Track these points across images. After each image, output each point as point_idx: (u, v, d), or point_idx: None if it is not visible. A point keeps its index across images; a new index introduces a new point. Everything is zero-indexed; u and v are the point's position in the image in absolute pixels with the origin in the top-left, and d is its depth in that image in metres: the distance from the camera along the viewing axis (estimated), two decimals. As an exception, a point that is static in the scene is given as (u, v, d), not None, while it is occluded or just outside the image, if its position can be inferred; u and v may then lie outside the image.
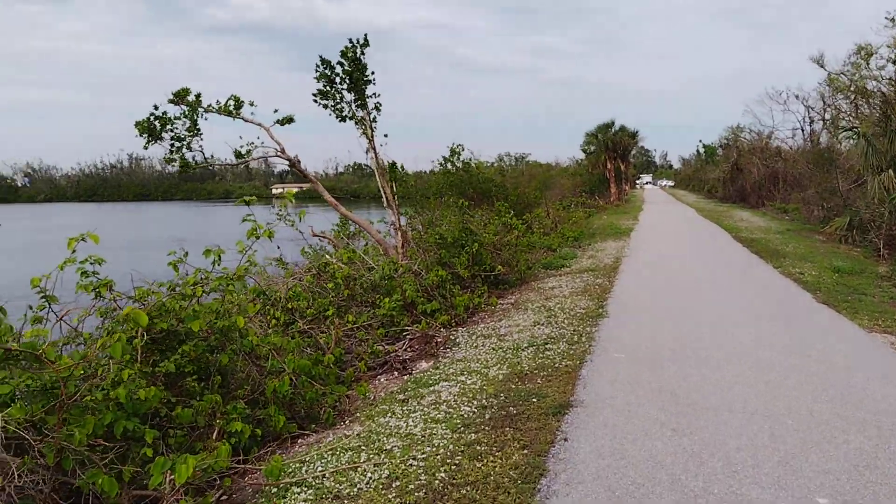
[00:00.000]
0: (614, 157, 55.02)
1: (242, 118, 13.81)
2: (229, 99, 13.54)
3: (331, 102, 13.23)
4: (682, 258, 17.83)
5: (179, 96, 13.17)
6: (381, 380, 8.47)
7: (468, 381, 7.27)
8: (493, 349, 8.67)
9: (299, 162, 14.21)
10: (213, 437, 6.14)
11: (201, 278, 6.72)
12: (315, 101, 13.22)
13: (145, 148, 12.48)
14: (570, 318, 10.22)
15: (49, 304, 6.31)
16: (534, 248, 19.90)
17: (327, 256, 14.39)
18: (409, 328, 10.59)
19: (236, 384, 6.87)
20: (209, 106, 13.51)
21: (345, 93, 13.19)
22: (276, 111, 14.00)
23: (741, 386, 6.71)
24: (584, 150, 56.60)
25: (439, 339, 9.95)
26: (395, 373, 8.72)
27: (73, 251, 6.37)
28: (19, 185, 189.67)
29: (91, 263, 6.14)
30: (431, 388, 7.22)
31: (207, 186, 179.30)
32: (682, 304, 11.03)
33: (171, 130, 12.84)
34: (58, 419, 4.71)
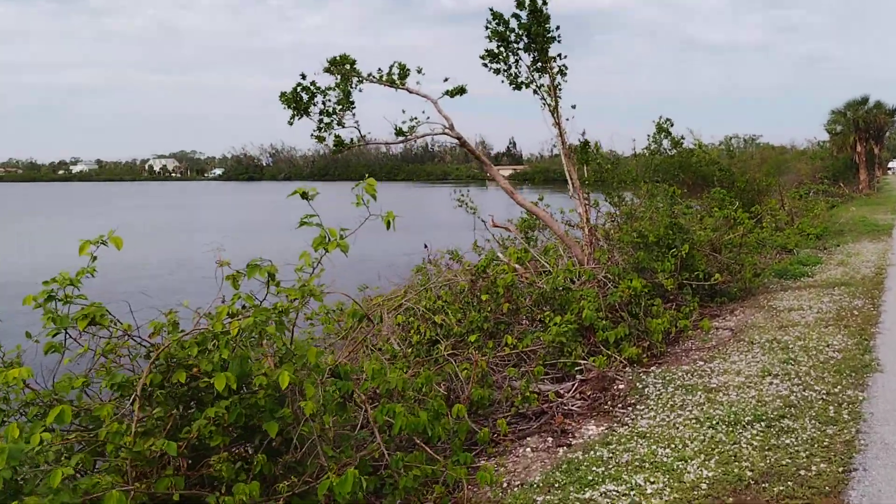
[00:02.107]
0: (865, 138, 47.34)
1: (407, 89, 11.72)
2: (392, 66, 11.52)
3: (503, 66, 10.71)
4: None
5: (337, 64, 11.35)
6: (528, 449, 5.93)
7: (648, 490, 4.53)
8: (697, 419, 5.78)
9: (478, 143, 11.91)
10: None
11: (241, 307, 4.55)
12: (484, 64, 10.77)
13: (290, 123, 10.76)
14: (817, 368, 7.00)
15: (65, 330, 4.49)
16: (764, 249, 16.15)
17: (499, 255, 12.02)
18: (584, 362, 7.92)
19: (293, 463, 4.67)
20: (370, 75, 11.57)
21: (521, 53, 10.61)
22: (445, 80, 11.79)
23: None
24: (829, 131, 49.29)
25: (621, 386, 7.18)
26: (550, 438, 6.13)
27: (94, 258, 4.52)
28: (264, 164, 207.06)
29: (62, 286, 4.18)
30: (587, 494, 4.57)
31: (427, 168, 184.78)
32: None
33: (324, 103, 11.05)
34: None
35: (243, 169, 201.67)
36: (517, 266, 10.91)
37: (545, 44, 10.56)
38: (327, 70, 11.21)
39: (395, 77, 11.63)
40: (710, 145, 34.48)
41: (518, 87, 10.75)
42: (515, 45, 10.55)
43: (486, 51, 10.62)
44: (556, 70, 10.79)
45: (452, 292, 9.27)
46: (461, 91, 11.84)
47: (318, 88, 10.80)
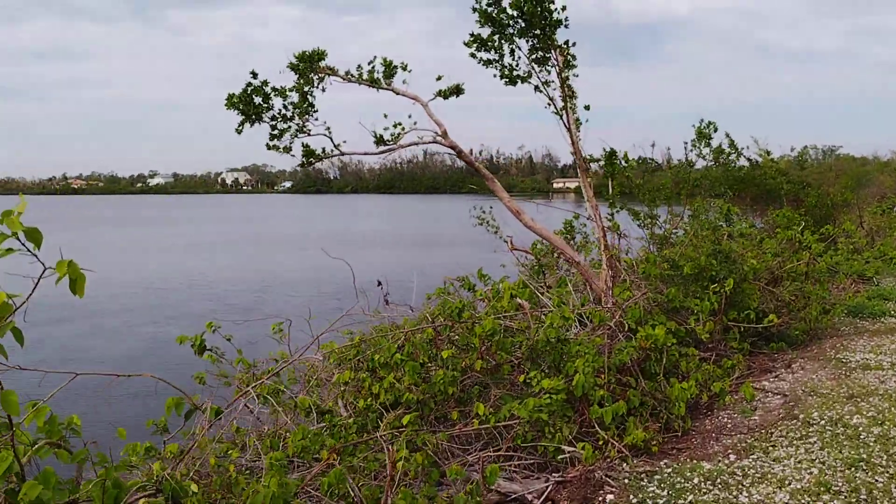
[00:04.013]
0: (959, 146, 43.23)
1: (392, 90, 9.87)
2: (372, 62, 9.66)
3: (493, 55, 8.67)
4: None
5: (308, 60, 9.54)
6: None
7: None
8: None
9: (468, 152, 9.92)
10: None
11: None
12: (472, 54, 8.74)
13: (238, 131, 8.96)
14: (903, 479, 4.74)
15: None
16: (836, 277, 13.60)
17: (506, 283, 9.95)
18: (569, 450, 5.80)
19: None
20: (347, 73, 9.75)
21: (517, 40, 8.55)
22: (439, 78, 9.88)
23: None
24: (916, 139, 45.33)
25: (609, 496, 5.04)
26: None
27: None
28: (332, 177, 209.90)
29: None
30: None
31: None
32: None
33: (285, 107, 9.24)
34: None
35: (311, 182, 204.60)
36: (521, 303, 8.90)
37: (548, 28, 8.49)
38: (293, 66, 9.40)
39: (380, 75, 9.79)
40: (783, 157, 31.41)
41: (513, 81, 8.71)
42: (510, 31, 8.51)
43: (472, 36, 8.59)
44: (561, 61, 8.72)
45: (412, 343, 7.27)
46: (457, 91, 9.96)
47: (275, 89, 9.00)
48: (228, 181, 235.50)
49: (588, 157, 10.18)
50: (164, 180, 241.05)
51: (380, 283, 7.84)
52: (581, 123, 9.31)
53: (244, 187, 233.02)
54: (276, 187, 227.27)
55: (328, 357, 7.86)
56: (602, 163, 10.64)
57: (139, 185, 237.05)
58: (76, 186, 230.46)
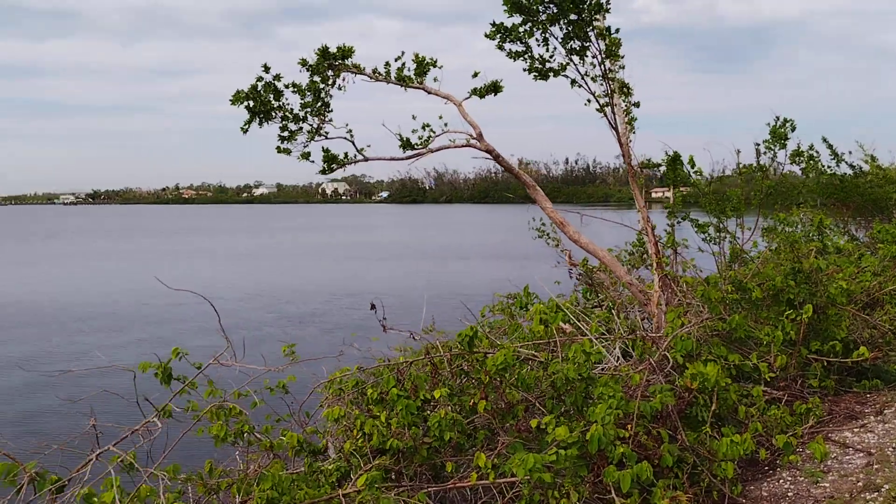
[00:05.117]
0: None
1: (424, 88, 8.94)
2: (402, 58, 8.76)
3: (521, 47, 7.55)
4: None
5: (331, 57, 8.72)
6: None
7: None
8: None
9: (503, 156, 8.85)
10: None
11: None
12: (499, 46, 7.63)
13: (244, 130, 8.15)
14: None
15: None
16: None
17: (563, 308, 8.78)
18: (574, 523, 4.65)
19: None
20: (375, 71, 8.89)
21: (549, 28, 7.39)
22: (475, 75, 8.87)
23: None
24: None
25: None
26: None
27: None
28: (427, 187, 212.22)
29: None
30: None
31: (588, 189, 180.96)
32: None
33: (303, 107, 8.44)
34: None
35: (407, 192, 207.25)
36: (564, 328, 7.79)
37: (587, 13, 7.32)
38: (313, 67, 8.59)
39: (411, 73, 8.89)
40: (894, 164, 28.55)
41: (543, 75, 7.58)
42: (540, 17, 7.37)
43: (494, 26, 7.49)
44: (600, 52, 7.52)
45: (412, 377, 6.26)
46: (494, 89, 8.94)
47: (289, 86, 8.20)
48: (328, 191, 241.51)
49: (646, 160, 8.99)
50: (267, 190, 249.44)
51: (373, 307, 6.82)
52: (635, 121, 8.11)
53: (343, 197, 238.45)
54: (373, 197, 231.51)
55: (327, 388, 6.99)
56: (663, 168, 9.43)
57: (244, 194, 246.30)
58: (187, 196, 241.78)
